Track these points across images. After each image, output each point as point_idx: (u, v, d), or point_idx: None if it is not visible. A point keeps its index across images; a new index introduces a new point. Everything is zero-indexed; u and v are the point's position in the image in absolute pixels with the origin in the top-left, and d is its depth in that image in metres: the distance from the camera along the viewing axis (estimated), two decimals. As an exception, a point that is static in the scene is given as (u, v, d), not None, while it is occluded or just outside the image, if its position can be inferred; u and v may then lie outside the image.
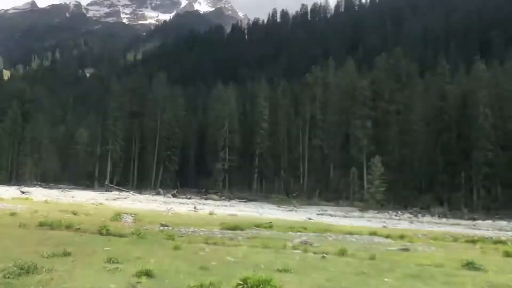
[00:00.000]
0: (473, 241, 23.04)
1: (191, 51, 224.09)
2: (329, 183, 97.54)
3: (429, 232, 28.79)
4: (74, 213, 27.76)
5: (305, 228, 26.53)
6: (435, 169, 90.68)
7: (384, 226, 37.41)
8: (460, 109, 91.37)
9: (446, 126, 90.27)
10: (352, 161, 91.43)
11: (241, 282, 7.47)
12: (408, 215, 75.24)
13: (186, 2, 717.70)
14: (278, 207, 72.97)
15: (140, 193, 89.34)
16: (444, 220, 70.39)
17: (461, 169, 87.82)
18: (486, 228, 48.69)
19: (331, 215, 59.73)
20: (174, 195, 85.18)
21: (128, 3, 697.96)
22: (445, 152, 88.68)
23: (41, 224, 18.48)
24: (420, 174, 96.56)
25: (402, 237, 23.74)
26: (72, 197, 59.45)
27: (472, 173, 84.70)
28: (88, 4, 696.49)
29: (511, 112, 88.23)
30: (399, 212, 78.16)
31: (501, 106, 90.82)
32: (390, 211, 78.54)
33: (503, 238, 25.11)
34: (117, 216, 26.03)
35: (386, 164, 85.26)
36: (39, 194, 57.94)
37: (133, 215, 28.29)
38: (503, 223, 66.97)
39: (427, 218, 71.79)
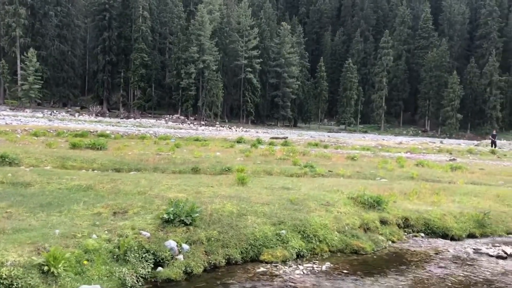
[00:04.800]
0: (79, 134, 22.80)
1: None
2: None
3: (35, 127, 27.30)
4: None
5: None
6: (96, 68, 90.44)
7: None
8: (121, 8, 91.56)
9: (108, 24, 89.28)
10: (1, 54, 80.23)
11: None
12: (64, 113, 73.49)
13: None
14: None
15: None
16: (100, 118, 71.80)
17: (121, 69, 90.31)
18: (126, 125, 51.30)
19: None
20: None
21: None
22: (105, 51, 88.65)
23: None
24: (81, 72, 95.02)
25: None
26: None
27: (130, 74, 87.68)
28: None
29: (166, 17, 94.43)
30: (55, 111, 75.50)
31: (160, 11, 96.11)
32: (46, 110, 74.86)
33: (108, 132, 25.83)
34: None
35: (43, 59, 79.68)
36: None
37: None
38: (146, 120, 73.12)
39: (85, 117, 71.66)
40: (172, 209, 6.53)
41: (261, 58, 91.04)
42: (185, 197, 7.58)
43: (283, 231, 6.94)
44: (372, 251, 7.31)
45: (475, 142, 58.09)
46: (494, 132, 48.23)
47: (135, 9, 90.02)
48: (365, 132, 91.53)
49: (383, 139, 50.04)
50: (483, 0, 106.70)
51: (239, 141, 26.58)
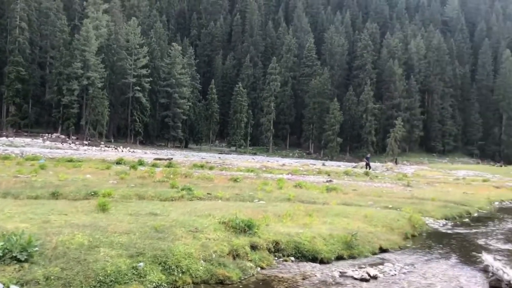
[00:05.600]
0: None
1: None
2: None
3: None
4: None
5: None
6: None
7: None
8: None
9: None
10: None
11: None
12: None
13: None
14: None
15: None
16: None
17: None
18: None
19: None
20: None
21: None
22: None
23: None
24: None
25: None
26: None
27: (4, 88, 79.98)
28: None
29: (48, 30, 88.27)
30: None
31: (41, 23, 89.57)
32: None
33: None
34: None
35: None
36: None
37: None
38: (20, 139, 66.82)
39: None
40: (2, 243, 5.50)
41: (151, 77, 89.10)
42: (27, 228, 6.53)
43: (141, 264, 6.23)
44: (239, 280, 6.91)
45: (353, 164, 62.32)
46: (368, 155, 52.23)
47: (12, 19, 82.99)
48: (255, 154, 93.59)
49: (268, 161, 51.32)
50: (359, 35, 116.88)
51: (118, 162, 25.07)
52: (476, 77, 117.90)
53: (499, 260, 8.50)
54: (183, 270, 6.54)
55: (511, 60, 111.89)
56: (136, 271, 6.10)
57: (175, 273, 6.44)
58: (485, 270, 8.04)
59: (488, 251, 9.91)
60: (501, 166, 78.92)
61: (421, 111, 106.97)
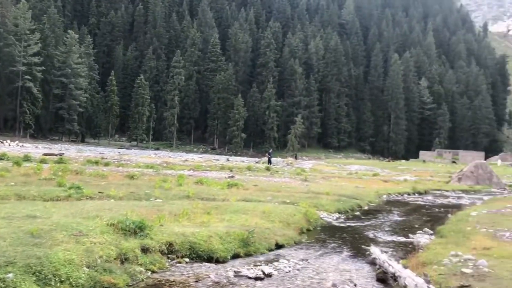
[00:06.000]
0: None
1: None
2: None
3: None
4: None
5: None
6: None
7: None
8: None
9: None
10: None
11: None
12: None
13: None
14: None
15: None
16: None
17: None
18: None
19: None
20: None
21: None
22: None
23: None
24: None
25: None
26: None
27: None
28: None
29: None
30: None
31: None
32: None
33: None
34: None
35: None
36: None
37: None
38: None
39: None
40: None
41: (44, 66, 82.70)
42: None
43: (10, 275, 5.49)
44: (127, 286, 6.43)
45: (257, 159, 63.41)
46: (271, 151, 53.43)
47: None
48: (157, 149, 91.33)
49: (170, 157, 50.27)
50: (263, 33, 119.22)
51: (0, 157, 22.73)
52: (369, 78, 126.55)
53: (386, 252, 8.95)
54: (62, 279, 5.90)
55: (398, 63, 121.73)
56: (3, 284, 5.36)
57: (52, 283, 5.79)
58: (373, 262, 8.41)
59: (376, 243, 10.44)
60: (389, 161, 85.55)
61: (319, 109, 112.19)
